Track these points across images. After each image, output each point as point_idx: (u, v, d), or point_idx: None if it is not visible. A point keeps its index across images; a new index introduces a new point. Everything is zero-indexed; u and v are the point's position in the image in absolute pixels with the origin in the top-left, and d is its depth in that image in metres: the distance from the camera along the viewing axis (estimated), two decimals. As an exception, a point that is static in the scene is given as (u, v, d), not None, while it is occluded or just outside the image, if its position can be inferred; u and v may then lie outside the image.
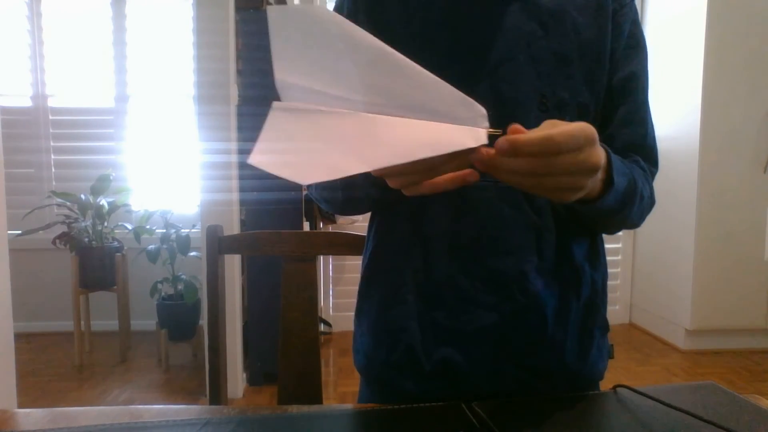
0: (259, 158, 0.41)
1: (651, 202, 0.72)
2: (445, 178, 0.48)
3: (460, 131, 0.44)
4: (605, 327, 0.76)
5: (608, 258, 0.78)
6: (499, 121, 0.50)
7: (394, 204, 0.72)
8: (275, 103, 0.43)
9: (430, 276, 0.70)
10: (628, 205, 0.64)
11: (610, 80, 0.72)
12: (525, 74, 0.67)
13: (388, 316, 0.73)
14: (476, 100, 0.46)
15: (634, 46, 0.73)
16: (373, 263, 0.77)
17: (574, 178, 0.48)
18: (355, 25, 0.42)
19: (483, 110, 0.45)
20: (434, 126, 0.44)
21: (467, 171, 0.48)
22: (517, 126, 0.46)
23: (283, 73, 0.43)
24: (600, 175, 0.54)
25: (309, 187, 0.78)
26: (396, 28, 0.70)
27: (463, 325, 0.69)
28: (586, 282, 0.72)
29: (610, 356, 0.78)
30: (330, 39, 0.42)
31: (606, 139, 0.72)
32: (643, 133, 0.74)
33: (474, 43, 0.68)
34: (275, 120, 0.43)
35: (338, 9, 0.76)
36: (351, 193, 0.70)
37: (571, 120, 0.69)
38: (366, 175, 0.64)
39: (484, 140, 0.45)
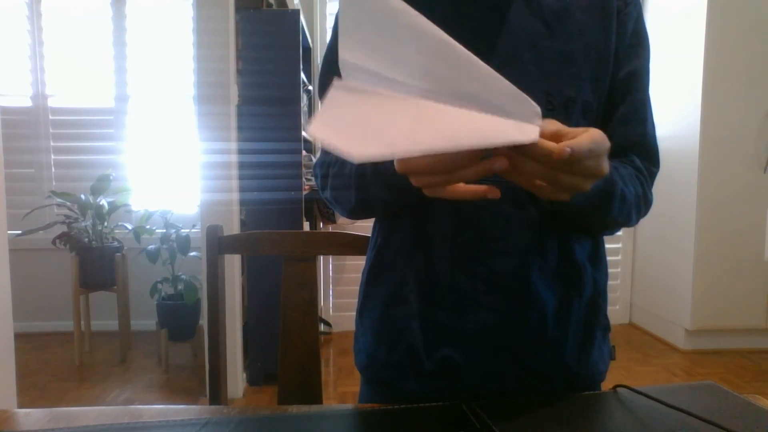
0: (317, 129, 0.41)
1: (645, 202, 0.72)
2: (467, 189, 0.49)
3: (510, 125, 0.45)
4: (607, 327, 0.76)
5: (608, 258, 0.78)
6: None
7: (401, 209, 0.72)
8: (336, 81, 0.44)
9: (432, 276, 0.70)
10: (604, 206, 0.64)
11: (612, 79, 0.72)
12: (530, 73, 0.67)
13: (389, 316, 0.73)
14: None
15: (637, 45, 0.73)
16: (376, 263, 0.77)
17: (586, 181, 0.51)
18: (420, 15, 0.44)
19: (537, 108, 0.46)
20: (486, 118, 0.45)
21: (489, 188, 0.49)
22: (557, 128, 0.49)
23: (346, 52, 0.44)
24: None
25: (324, 190, 0.77)
26: None
27: (464, 325, 0.69)
28: (588, 282, 0.72)
29: (612, 357, 0.78)
30: (397, 24, 0.44)
31: None
32: (642, 132, 0.73)
33: (478, 43, 0.68)
34: (336, 96, 0.44)
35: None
36: (364, 194, 0.70)
37: (576, 119, 0.69)
38: (377, 176, 0.64)
39: (535, 137, 0.45)
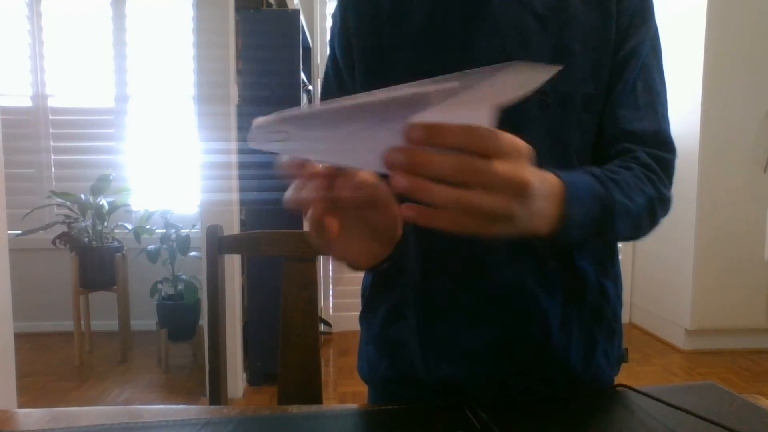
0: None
1: (662, 203, 0.64)
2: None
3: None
4: (611, 332, 0.72)
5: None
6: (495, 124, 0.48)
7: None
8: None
9: (430, 292, 0.68)
10: (605, 228, 0.55)
11: (611, 61, 0.66)
12: None
13: (389, 332, 0.72)
14: None
15: (640, 24, 0.67)
16: (375, 279, 0.76)
17: (502, 197, 0.39)
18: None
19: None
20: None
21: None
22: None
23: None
24: (550, 205, 0.47)
25: None
26: (390, 41, 0.68)
27: (464, 339, 0.67)
28: (591, 287, 0.69)
29: (624, 360, 0.74)
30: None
31: (599, 127, 0.67)
32: (639, 116, 0.66)
33: (465, 43, 0.65)
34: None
35: (334, 22, 0.75)
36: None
37: (577, 114, 0.65)
38: None
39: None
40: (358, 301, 0.81)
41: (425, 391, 0.70)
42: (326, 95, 0.76)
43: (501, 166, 0.38)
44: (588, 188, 0.53)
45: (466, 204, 0.38)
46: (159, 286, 2.90)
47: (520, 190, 0.40)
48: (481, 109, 0.38)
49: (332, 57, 0.76)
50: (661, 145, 0.66)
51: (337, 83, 0.75)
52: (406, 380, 0.71)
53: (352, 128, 0.39)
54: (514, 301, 0.66)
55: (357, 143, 0.39)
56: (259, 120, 0.42)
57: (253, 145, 0.41)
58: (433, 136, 0.36)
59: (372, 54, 0.69)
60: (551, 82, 0.62)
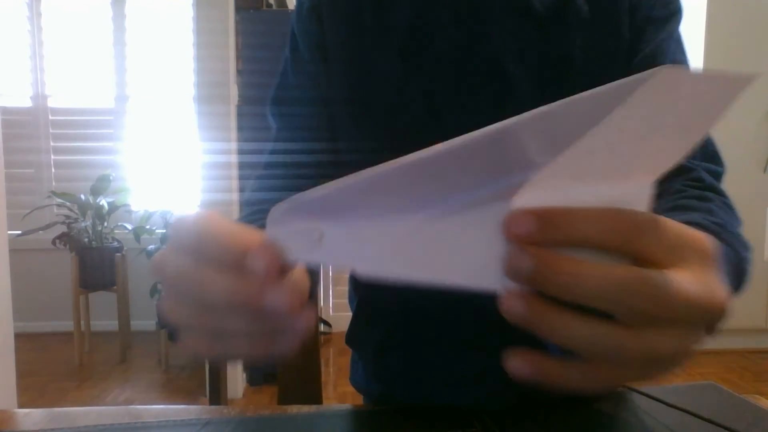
0: None
1: (739, 223, 0.56)
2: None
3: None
4: None
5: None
6: None
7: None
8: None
9: (421, 324, 0.66)
10: (745, 282, 0.46)
11: (629, 67, 0.58)
12: (517, 89, 0.58)
13: (381, 363, 0.71)
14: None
15: (662, 18, 0.59)
16: (363, 313, 0.73)
17: (683, 330, 0.25)
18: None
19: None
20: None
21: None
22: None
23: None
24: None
25: None
26: (373, 43, 0.62)
27: (457, 367, 0.65)
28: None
29: None
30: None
31: None
32: None
33: (455, 49, 0.59)
34: None
35: (299, 2, 0.66)
36: None
37: None
38: None
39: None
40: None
41: (423, 415, 0.69)
42: (282, 96, 0.67)
43: (686, 283, 0.22)
44: (726, 260, 0.41)
45: (635, 351, 0.23)
46: (159, 286, 2.89)
47: (708, 317, 0.25)
48: (630, 175, 0.23)
49: (292, 46, 0.66)
50: (713, 158, 0.60)
51: (297, 78, 0.66)
52: (403, 404, 0.70)
53: (414, 220, 0.25)
54: (505, 327, 0.64)
55: (425, 244, 0.26)
56: (276, 213, 0.27)
57: (289, 255, 0.27)
58: (552, 226, 0.22)
59: (352, 59, 0.63)
60: (551, 99, 0.58)
